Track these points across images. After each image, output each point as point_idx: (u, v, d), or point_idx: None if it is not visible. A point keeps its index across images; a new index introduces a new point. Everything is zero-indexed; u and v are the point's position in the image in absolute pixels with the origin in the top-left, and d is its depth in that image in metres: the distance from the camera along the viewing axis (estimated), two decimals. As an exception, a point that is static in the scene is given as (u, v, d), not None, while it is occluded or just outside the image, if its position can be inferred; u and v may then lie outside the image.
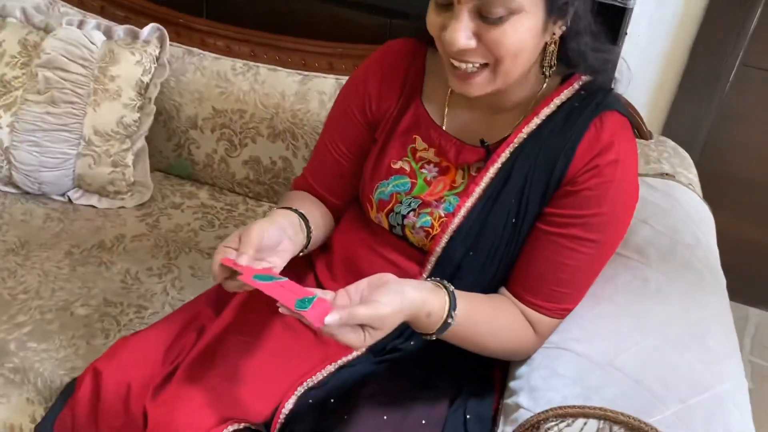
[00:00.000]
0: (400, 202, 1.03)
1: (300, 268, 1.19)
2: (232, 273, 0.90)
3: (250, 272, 0.86)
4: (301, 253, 1.05)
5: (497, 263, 1.00)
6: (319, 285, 1.16)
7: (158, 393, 1.02)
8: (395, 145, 1.05)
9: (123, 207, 1.59)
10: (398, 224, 1.05)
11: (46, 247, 1.43)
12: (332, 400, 0.99)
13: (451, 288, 0.90)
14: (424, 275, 1.03)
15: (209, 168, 1.70)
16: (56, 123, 1.48)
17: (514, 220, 0.97)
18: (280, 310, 0.82)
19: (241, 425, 0.96)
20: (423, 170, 1.02)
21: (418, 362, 1.06)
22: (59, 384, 1.12)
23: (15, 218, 1.50)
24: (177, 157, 1.72)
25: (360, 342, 0.81)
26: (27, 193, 1.58)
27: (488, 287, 1.01)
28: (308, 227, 1.06)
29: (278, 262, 0.95)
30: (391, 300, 0.81)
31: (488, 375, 1.07)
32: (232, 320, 1.10)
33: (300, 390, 1.01)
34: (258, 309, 1.11)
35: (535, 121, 0.97)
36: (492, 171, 0.98)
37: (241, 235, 0.93)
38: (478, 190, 0.99)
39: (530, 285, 0.98)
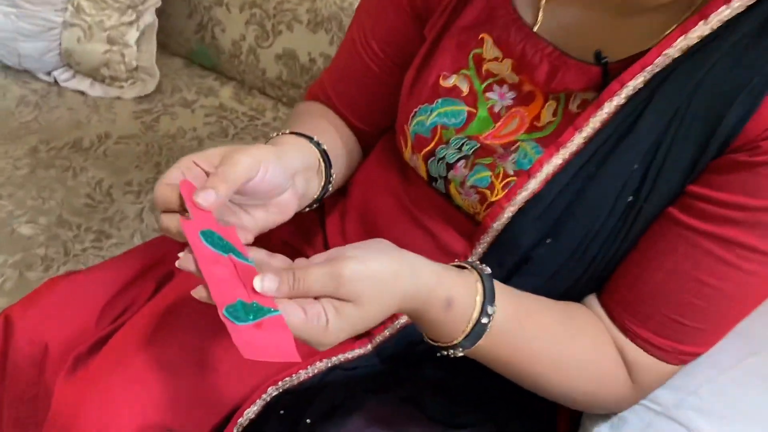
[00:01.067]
0: (447, 143, 0.65)
1: (302, 219, 0.83)
2: (181, 206, 0.55)
3: (203, 222, 0.52)
4: (307, 209, 0.69)
5: (589, 262, 0.61)
6: (327, 247, 0.81)
7: (78, 365, 0.73)
8: (449, 47, 0.66)
9: (119, 98, 1.29)
10: (440, 176, 0.67)
11: (9, 137, 1.15)
12: (308, 420, 0.68)
13: (486, 270, 0.58)
14: (472, 259, 0.65)
15: (235, 60, 1.39)
16: (37, -22, 1.15)
17: (631, 198, 0.58)
18: (194, 295, 0.50)
19: (172, 436, 0.65)
20: (489, 94, 0.64)
21: (440, 385, 0.71)
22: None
23: (-17, 97, 1.22)
24: (199, 41, 1.39)
25: (320, 333, 0.50)
26: (8, 67, 1.29)
27: (567, 297, 0.63)
28: (329, 172, 0.70)
29: (258, 223, 0.61)
30: (377, 257, 0.52)
31: (547, 420, 0.71)
32: None
33: (271, 391, 0.71)
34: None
35: (699, 31, 0.55)
36: (608, 108, 0.58)
37: (223, 158, 0.57)
38: (578, 139, 0.59)
39: (638, 305, 0.60)
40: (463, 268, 0.58)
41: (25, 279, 0.92)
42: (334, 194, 0.82)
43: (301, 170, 0.64)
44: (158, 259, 0.87)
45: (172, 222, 0.55)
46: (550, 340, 0.59)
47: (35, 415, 0.77)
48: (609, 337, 0.60)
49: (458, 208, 0.68)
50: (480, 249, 0.64)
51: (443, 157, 0.65)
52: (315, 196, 0.68)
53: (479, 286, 0.55)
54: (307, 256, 0.82)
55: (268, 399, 0.69)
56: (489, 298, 0.55)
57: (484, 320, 0.55)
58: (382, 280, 0.50)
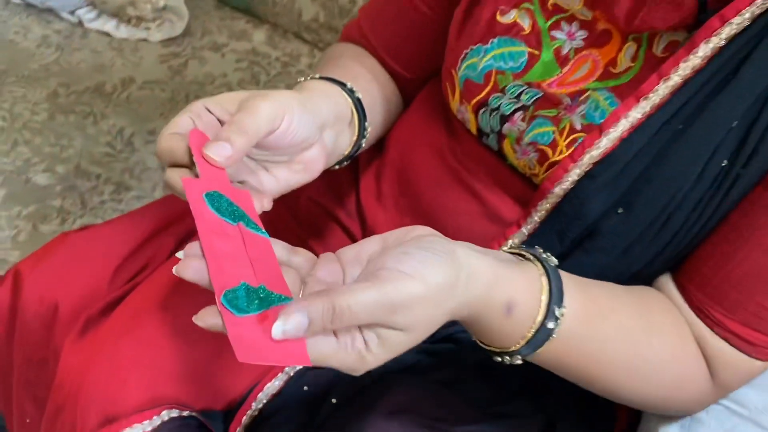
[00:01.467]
0: (502, 91, 0.56)
1: (333, 176, 0.76)
2: (190, 161, 0.48)
3: (211, 182, 0.44)
4: (337, 166, 0.61)
5: (669, 239, 0.52)
6: (360, 210, 0.73)
7: (89, 328, 0.67)
8: (508, -26, 0.56)
9: (145, 40, 1.22)
10: (492, 130, 0.58)
11: (28, 80, 1.09)
12: (333, 400, 0.62)
13: (552, 261, 0.49)
14: (523, 230, 0.57)
15: (270, 0, 1.30)
16: None
17: (726, 163, 0.49)
18: (182, 274, 0.41)
19: (183, 412, 0.61)
20: (556, 33, 0.54)
21: (483, 368, 0.63)
22: (-21, 282, 0.80)
23: (3, 36, 1.17)
24: (232, -21, 1.30)
25: (356, 361, 0.41)
26: (30, 5, 1.22)
27: (637, 279, 0.54)
28: (363, 125, 0.61)
29: (279, 183, 0.53)
30: (433, 267, 0.41)
31: (605, 414, 0.63)
32: None
33: (295, 367, 0.63)
34: (278, 225, 0.72)
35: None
36: (704, 52, 0.48)
37: (241, 104, 0.49)
38: (662, 89, 0.49)
39: (725, 291, 0.51)
40: (523, 257, 0.48)
41: (39, 232, 0.87)
42: (369, 150, 0.74)
43: (331, 121, 0.55)
44: (179, 215, 0.80)
45: (178, 178, 0.47)
46: (626, 341, 0.50)
47: (45, 379, 0.72)
48: (688, 329, 0.51)
49: (512, 168, 0.59)
50: (536, 217, 0.55)
51: (497, 108, 0.56)
52: (346, 152, 0.60)
53: (544, 281, 0.46)
54: (338, 219, 0.75)
55: (291, 373, 0.63)
56: (556, 297, 0.46)
57: (550, 324, 0.46)
58: (439, 298, 0.41)
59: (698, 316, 0.52)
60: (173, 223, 0.79)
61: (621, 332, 0.50)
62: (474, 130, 0.60)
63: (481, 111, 0.57)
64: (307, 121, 0.50)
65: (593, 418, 0.62)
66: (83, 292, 0.70)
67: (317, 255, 0.72)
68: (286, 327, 0.37)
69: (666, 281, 0.54)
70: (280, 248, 0.45)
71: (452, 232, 0.62)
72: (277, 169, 0.53)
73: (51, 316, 0.72)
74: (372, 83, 0.69)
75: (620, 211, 0.51)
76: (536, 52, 0.54)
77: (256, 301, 0.38)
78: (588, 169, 0.51)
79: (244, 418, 0.62)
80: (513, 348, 0.47)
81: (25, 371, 0.74)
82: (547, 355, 0.48)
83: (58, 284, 0.71)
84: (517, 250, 0.49)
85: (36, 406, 0.73)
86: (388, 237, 0.45)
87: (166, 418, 0.59)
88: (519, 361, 0.47)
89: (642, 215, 0.51)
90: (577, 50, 0.53)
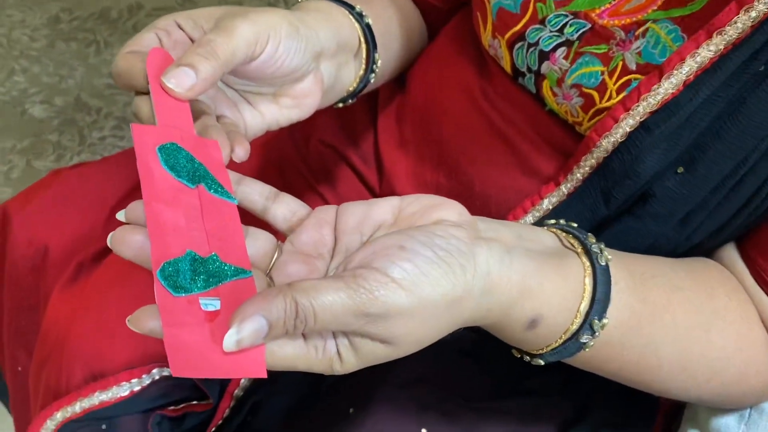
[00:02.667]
0: (542, 22, 0.47)
1: (350, 115, 0.68)
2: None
3: (165, 129, 0.35)
4: (341, 104, 0.53)
5: (741, 205, 0.44)
6: (378, 156, 0.66)
7: (80, 275, 0.63)
8: None
9: None
10: (529, 70, 0.49)
11: (27, 3, 1.02)
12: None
13: (604, 258, 0.39)
14: (562, 188, 0.49)
15: None
16: None
17: None
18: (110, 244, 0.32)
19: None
20: None
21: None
22: (-30, 220, 0.75)
23: (4, -44, 1.08)
24: None
25: (325, 368, 0.33)
26: None
27: (696, 252, 0.46)
28: (372, 56, 0.52)
29: (265, 120, 0.45)
30: (421, 279, 0.32)
31: (642, 400, 0.56)
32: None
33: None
34: (287, 169, 0.65)
35: None
36: None
37: (217, 22, 0.41)
38: (742, 22, 0.40)
39: None
40: (570, 244, 0.39)
41: (34, 168, 0.81)
42: (390, 87, 0.66)
43: (331, 50, 0.47)
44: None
45: (144, 106, 0.39)
46: (680, 342, 0.42)
47: (35, 326, 0.68)
48: (754, 311, 0.43)
49: (553, 114, 0.50)
50: (579, 174, 0.47)
51: (536, 43, 0.47)
52: (351, 88, 0.51)
53: (588, 284, 0.38)
54: (353, 165, 0.67)
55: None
56: (599, 307, 0.37)
57: (584, 338, 0.38)
58: (433, 315, 0.33)
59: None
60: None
61: (675, 333, 0.42)
62: (508, 69, 0.51)
63: (517, 46, 0.49)
64: (297, 48, 0.42)
65: (631, 404, 0.56)
66: (75, 235, 0.65)
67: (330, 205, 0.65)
68: (240, 336, 0.29)
69: (730, 252, 0.46)
70: (258, 193, 0.37)
71: (480, 186, 0.54)
72: (263, 102, 0.45)
73: (41, 259, 0.67)
74: (389, 8, 0.59)
75: (680, 170, 0.43)
76: None
77: (203, 276, 0.31)
78: (643, 119, 0.42)
79: (243, 380, 0.57)
80: (536, 352, 0.39)
81: (16, 318, 0.70)
82: (577, 360, 0.40)
83: (48, 225, 0.65)
84: (563, 231, 0.40)
85: (27, 355, 0.69)
86: (405, 206, 0.36)
87: (156, 377, 0.54)
88: (540, 363, 0.39)
89: (707, 177, 0.42)
90: None
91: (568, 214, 0.47)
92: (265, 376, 0.29)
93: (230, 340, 0.28)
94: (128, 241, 0.30)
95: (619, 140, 0.43)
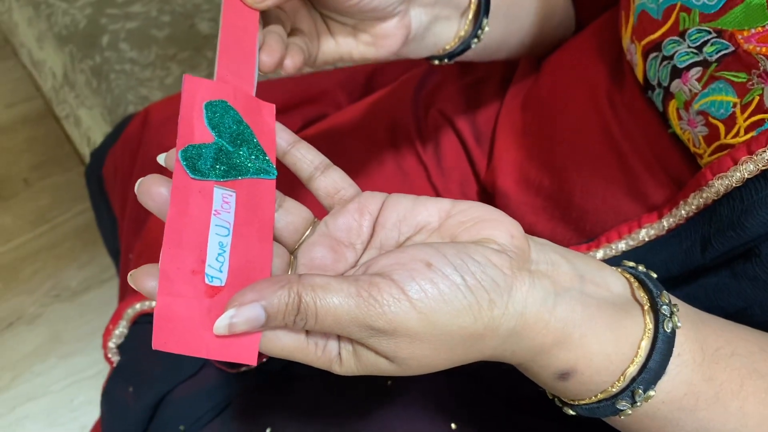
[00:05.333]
0: (682, 34, 0.41)
1: (479, 93, 0.66)
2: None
3: (221, 87, 0.34)
4: (437, 61, 0.50)
5: None
6: (493, 140, 0.63)
7: None
8: None
9: None
10: (660, 85, 0.44)
11: None
12: None
13: (673, 322, 0.34)
14: (663, 222, 0.44)
15: None
16: None
17: None
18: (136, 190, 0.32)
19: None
20: None
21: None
22: (122, 112, 0.81)
23: None
24: None
25: (319, 362, 0.31)
26: None
27: None
28: (480, 21, 0.49)
29: (339, 50, 0.44)
30: (440, 306, 0.29)
31: None
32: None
33: None
34: (398, 133, 0.64)
35: None
36: None
37: None
38: None
39: None
40: (638, 297, 0.34)
41: (186, 72, 0.86)
42: (527, 71, 0.62)
43: (430, 1, 0.45)
44: (312, 96, 0.76)
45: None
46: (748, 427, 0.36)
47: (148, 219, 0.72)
48: None
49: (675, 138, 0.45)
50: (683, 211, 0.41)
51: (671, 56, 0.42)
52: (448, 47, 0.49)
53: (644, 346, 0.33)
54: (465, 144, 0.64)
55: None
56: (649, 376, 0.33)
57: (623, 405, 0.33)
58: (446, 344, 0.30)
59: None
60: (303, 104, 0.74)
61: (738, 424, 0.35)
62: (641, 78, 0.46)
63: (652, 56, 0.44)
64: None
65: None
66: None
67: (431, 177, 0.63)
68: (234, 321, 0.27)
69: None
70: (309, 160, 0.35)
71: (580, 197, 0.50)
72: (341, 32, 0.44)
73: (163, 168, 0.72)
74: None
75: None
76: None
77: (223, 167, 0.30)
78: (766, 167, 0.36)
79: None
80: (566, 400, 0.36)
81: (136, 207, 0.75)
82: (614, 422, 0.36)
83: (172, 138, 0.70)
84: (637, 280, 0.35)
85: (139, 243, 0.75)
86: (455, 213, 0.33)
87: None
88: (571, 413, 0.36)
89: None
90: None
91: (662, 253, 0.43)
92: (255, 364, 0.28)
93: (222, 323, 0.27)
94: (153, 193, 0.30)
95: (734, 185, 0.38)
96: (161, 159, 0.32)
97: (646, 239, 0.43)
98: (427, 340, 0.29)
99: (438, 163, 0.63)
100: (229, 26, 0.35)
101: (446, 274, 0.29)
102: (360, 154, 0.65)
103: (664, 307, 0.33)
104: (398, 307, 0.28)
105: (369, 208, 0.34)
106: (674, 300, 0.35)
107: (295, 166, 0.36)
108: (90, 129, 0.91)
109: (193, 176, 0.30)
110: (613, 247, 0.45)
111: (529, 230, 0.54)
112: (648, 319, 0.33)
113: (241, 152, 0.32)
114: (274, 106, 0.35)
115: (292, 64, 0.39)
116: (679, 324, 0.33)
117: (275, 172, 0.33)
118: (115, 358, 0.61)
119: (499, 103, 0.64)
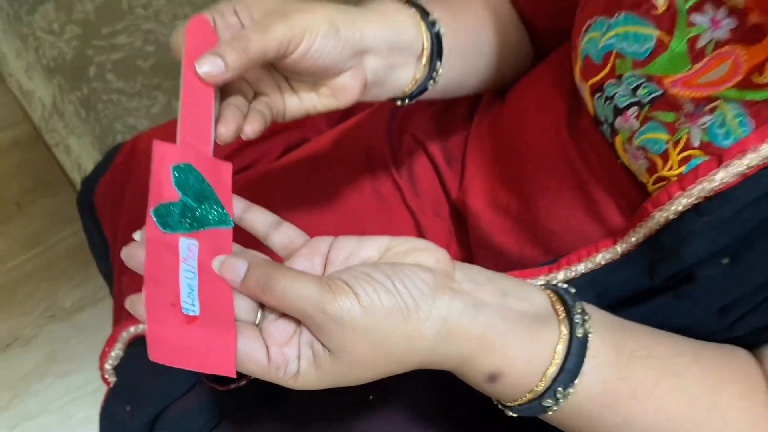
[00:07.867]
0: (619, 78, 0.46)
1: (449, 120, 0.70)
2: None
3: (186, 150, 0.38)
4: (399, 102, 0.55)
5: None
6: (464, 164, 0.67)
7: None
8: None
9: None
10: (606, 121, 0.49)
11: None
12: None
13: (584, 329, 0.39)
14: (617, 248, 0.48)
15: None
16: None
17: None
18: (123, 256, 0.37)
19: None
20: (696, 17, 0.42)
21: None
22: (111, 141, 0.85)
23: None
24: None
25: (281, 380, 0.37)
26: None
27: (738, 344, 0.45)
28: (434, 64, 0.53)
29: (303, 105, 0.49)
30: (377, 302, 0.36)
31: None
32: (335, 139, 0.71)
33: None
34: (374, 158, 0.68)
35: None
36: None
37: (262, 16, 0.44)
38: None
39: None
40: (557, 308, 0.40)
41: (172, 108, 0.89)
42: (493, 99, 0.66)
43: (381, 50, 0.48)
44: (293, 122, 0.80)
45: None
46: (662, 427, 0.40)
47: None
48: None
49: (626, 168, 0.49)
50: (633, 239, 0.45)
51: (612, 97, 0.46)
52: (407, 89, 0.53)
53: (560, 350, 0.38)
54: (437, 167, 0.68)
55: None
56: (566, 377, 0.38)
57: (547, 402, 0.39)
58: (385, 342, 0.36)
59: None
60: (285, 129, 0.78)
61: (658, 418, 0.40)
62: (592, 113, 0.51)
63: (597, 95, 0.48)
64: (333, 47, 0.44)
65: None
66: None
67: (406, 200, 0.67)
68: (223, 266, 0.36)
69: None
70: (262, 222, 0.41)
71: (545, 219, 0.54)
72: (303, 89, 0.48)
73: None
74: (482, 25, 0.58)
75: (725, 261, 0.40)
76: (666, 38, 0.42)
77: (188, 220, 0.36)
78: (697, 202, 0.40)
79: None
80: (505, 403, 0.41)
81: (127, 233, 0.78)
82: (550, 419, 0.41)
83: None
84: (556, 294, 0.41)
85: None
86: (393, 246, 0.39)
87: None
88: (512, 414, 0.41)
89: (751, 273, 0.40)
90: (717, 44, 0.40)
91: (618, 276, 0.47)
92: (234, 375, 0.34)
93: (215, 263, 0.37)
94: (137, 256, 0.35)
95: (671, 217, 0.42)
96: (137, 236, 0.37)
97: (603, 263, 0.47)
98: (369, 334, 0.35)
99: (412, 185, 0.67)
100: (188, 99, 0.39)
101: (381, 281, 0.35)
102: (338, 178, 0.69)
103: (577, 316, 0.39)
104: (347, 298, 0.34)
105: (319, 250, 0.40)
106: (589, 309, 0.41)
107: (251, 228, 0.41)
108: (80, 156, 0.94)
109: (164, 231, 0.35)
110: (573, 270, 0.49)
111: (500, 249, 0.58)
112: (563, 327, 0.39)
113: (203, 207, 0.37)
114: (230, 164, 0.41)
115: (251, 129, 0.43)
116: (591, 330, 0.39)
117: (232, 222, 0.39)
118: (112, 379, 0.65)
119: (468, 128, 0.68)
